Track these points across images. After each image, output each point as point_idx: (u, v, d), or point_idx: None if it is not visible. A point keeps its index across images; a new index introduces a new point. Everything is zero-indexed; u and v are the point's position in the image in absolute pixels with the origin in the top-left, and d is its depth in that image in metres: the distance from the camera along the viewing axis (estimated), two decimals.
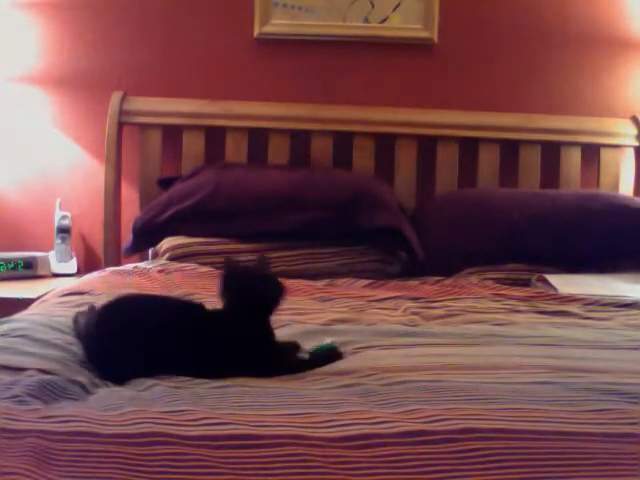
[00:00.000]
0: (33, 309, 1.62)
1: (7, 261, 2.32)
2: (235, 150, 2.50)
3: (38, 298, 1.81)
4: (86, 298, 1.60)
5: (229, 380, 1.08)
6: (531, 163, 2.53)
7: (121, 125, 2.47)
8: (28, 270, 2.35)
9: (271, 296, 1.20)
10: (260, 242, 2.13)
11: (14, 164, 2.58)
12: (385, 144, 2.51)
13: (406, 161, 2.52)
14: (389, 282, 2.03)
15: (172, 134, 2.50)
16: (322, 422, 0.89)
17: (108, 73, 2.55)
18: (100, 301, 1.33)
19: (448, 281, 2.04)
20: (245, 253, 2.08)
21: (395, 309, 1.69)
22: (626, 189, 2.58)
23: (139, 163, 2.49)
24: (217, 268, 1.96)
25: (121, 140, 2.48)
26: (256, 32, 2.56)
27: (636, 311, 1.72)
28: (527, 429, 0.89)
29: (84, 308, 1.38)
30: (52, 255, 2.45)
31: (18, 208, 2.59)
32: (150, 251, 2.31)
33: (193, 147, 2.50)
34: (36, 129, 2.57)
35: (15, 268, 2.33)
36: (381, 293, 1.86)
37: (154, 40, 2.57)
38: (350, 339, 1.35)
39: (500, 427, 0.89)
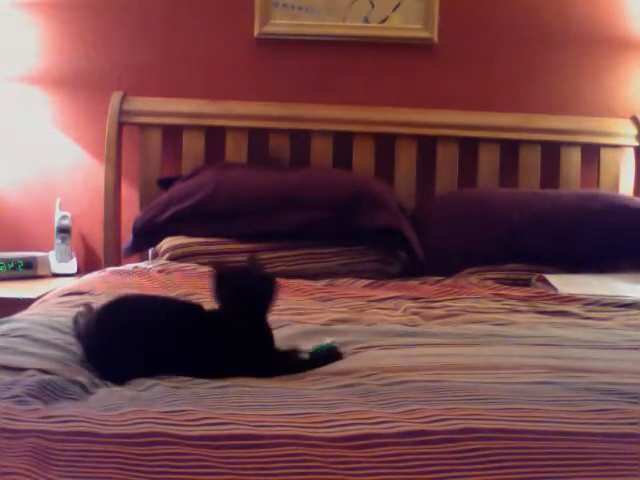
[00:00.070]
0: (33, 309, 1.62)
1: (7, 261, 2.32)
2: (235, 150, 2.50)
3: (38, 298, 1.81)
4: (86, 298, 1.60)
5: (229, 380, 1.08)
6: (531, 163, 2.53)
7: (121, 125, 2.47)
8: (28, 270, 2.35)
9: (265, 294, 1.20)
10: (260, 242, 2.13)
11: (14, 164, 2.58)
12: (385, 144, 2.51)
13: (406, 161, 2.52)
14: (389, 282, 2.03)
15: (172, 134, 2.50)
16: (322, 422, 0.89)
17: (108, 73, 2.55)
18: (100, 301, 1.33)
19: (448, 281, 2.04)
20: (245, 253, 2.08)
21: (395, 309, 1.69)
22: (626, 189, 2.58)
23: (139, 163, 2.49)
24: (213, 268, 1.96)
25: (121, 140, 2.48)
26: (256, 32, 2.56)
27: (636, 311, 1.72)
28: (527, 429, 0.89)
29: (83, 308, 1.37)
30: (52, 255, 2.45)
31: (18, 208, 2.59)
32: (150, 251, 2.31)
33: (193, 147, 2.50)
34: (36, 129, 2.57)
35: (15, 268, 2.33)
36: (381, 293, 1.86)
37: (154, 40, 2.57)
38: (350, 339, 1.35)
39: (500, 427, 0.89)
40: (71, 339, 1.27)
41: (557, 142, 2.53)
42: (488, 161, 2.52)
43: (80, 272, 2.42)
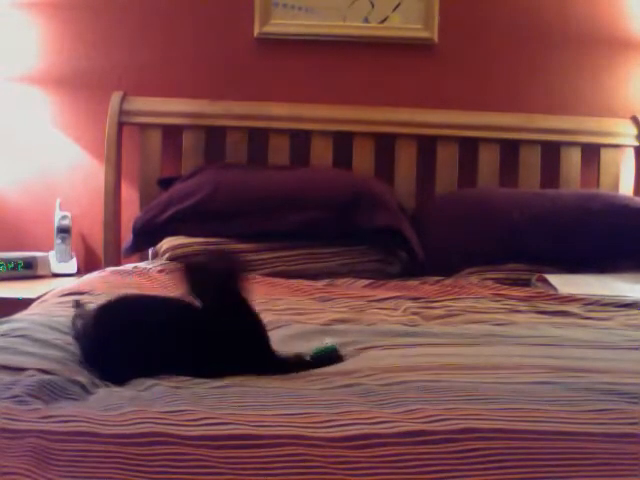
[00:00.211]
0: (33, 309, 1.62)
1: (7, 261, 2.32)
2: (235, 150, 2.50)
3: (38, 298, 1.81)
4: (86, 298, 1.60)
5: (229, 380, 1.08)
6: (531, 163, 2.53)
7: (121, 125, 2.47)
8: (28, 270, 2.35)
9: (228, 285, 1.18)
10: (260, 242, 2.13)
11: (14, 164, 2.58)
12: (385, 144, 2.51)
13: (406, 161, 2.52)
14: (389, 282, 2.03)
15: (172, 134, 2.50)
16: (322, 422, 0.89)
17: (108, 73, 2.55)
18: (100, 301, 1.33)
19: (448, 281, 2.04)
20: (245, 253, 2.08)
21: (395, 309, 1.69)
22: (626, 189, 2.58)
23: (139, 163, 2.49)
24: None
25: (121, 140, 2.48)
26: (256, 32, 2.56)
27: (636, 311, 1.72)
28: (527, 429, 0.89)
29: (81, 309, 1.37)
30: (52, 255, 2.45)
31: (18, 208, 2.59)
32: (150, 251, 2.31)
33: (193, 147, 2.49)
34: (36, 129, 2.57)
35: (15, 268, 2.32)
36: (381, 293, 1.86)
37: (154, 40, 2.57)
38: (350, 339, 1.35)
39: (500, 427, 0.89)
40: (71, 339, 1.27)
41: (557, 142, 2.53)
42: (488, 161, 2.52)
43: (80, 272, 2.42)
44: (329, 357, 1.22)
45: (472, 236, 2.21)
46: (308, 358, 1.22)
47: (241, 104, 2.51)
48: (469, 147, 2.52)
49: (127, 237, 2.28)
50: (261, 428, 0.87)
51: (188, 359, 1.13)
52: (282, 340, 1.31)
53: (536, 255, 2.16)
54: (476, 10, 2.59)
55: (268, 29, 2.56)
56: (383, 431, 0.87)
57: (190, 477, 0.80)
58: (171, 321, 1.16)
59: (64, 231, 2.46)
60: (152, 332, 1.13)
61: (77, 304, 1.42)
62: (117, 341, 1.14)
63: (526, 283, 2.05)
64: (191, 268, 1.19)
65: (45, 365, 1.12)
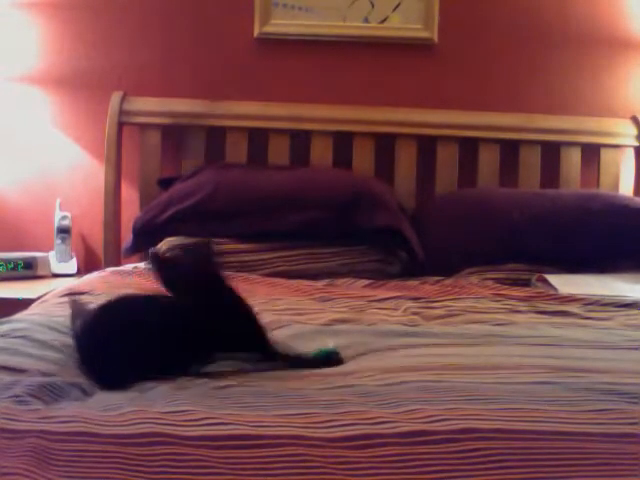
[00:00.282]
0: (33, 309, 1.62)
1: (7, 261, 2.32)
2: (235, 150, 2.50)
3: (38, 298, 1.81)
4: (86, 298, 1.60)
5: (229, 380, 1.08)
6: (531, 163, 2.53)
7: (121, 125, 2.47)
8: (28, 270, 2.35)
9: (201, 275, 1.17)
10: (260, 242, 2.13)
11: (14, 164, 2.58)
12: (385, 144, 2.51)
13: (406, 161, 2.52)
14: (389, 282, 2.03)
15: (172, 134, 2.50)
16: (322, 422, 0.89)
17: (108, 73, 2.55)
18: (100, 301, 1.32)
19: (448, 281, 2.04)
20: (245, 253, 2.08)
21: (395, 309, 1.69)
22: (626, 189, 2.57)
23: (139, 163, 2.49)
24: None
25: (121, 140, 2.48)
26: (256, 32, 2.56)
27: (636, 311, 1.72)
28: (527, 429, 0.89)
29: (79, 306, 1.36)
30: (52, 255, 2.45)
31: (18, 208, 2.59)
32: (150, 251, 2.30)
33: (193, 147, 2.49)
34: (36, 129, 2.57)
35: (15, 268, 2.32)
36: (381, 293, 1.86)
37: (154, 40, 2.56)
38: (350, 339, 1.35)
39: (500, 427, 0.89)
40: (70, 340, 1.27)
41: (557, 142, 2.53)
42: (488, 161, 2.52)
43: (80, 272, 2.42)
44: (328, 358, 1.22)
45: (472, 236, 2.21)
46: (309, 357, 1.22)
47: (241, 104, 2.51)
48: (469, 147, 2.52)
49: (127, 237, 2.28)
50: (261, 428, 0.87)
51: (182, 356, 1.12)
52: (282, 340, 1.31)
53: (536, 255, 2.16)
54: (476, 10, 2.59)
55: (268, 29, 2.56)
56: (383, 431, 0.87)
57: (190, 477, 0.80)
58: (161, 321, 1.14)
59: (64, 231, 2.46)
60: (147, 333, 1.12)
61: (74, 302, 1.41)
62: (116, 343, 1.13)
63: (526, 283, 2.05)
64: (162, 265, 1.19)
65: (45, 366, 1.12)
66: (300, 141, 2.51)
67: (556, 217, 2.21)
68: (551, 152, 2.53)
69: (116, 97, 2.48)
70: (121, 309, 1.20)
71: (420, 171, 2.52)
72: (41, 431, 0.87)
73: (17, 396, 0.97)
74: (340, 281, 2.03)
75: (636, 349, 1.35)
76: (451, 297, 1.82)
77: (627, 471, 0.83)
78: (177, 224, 2.18)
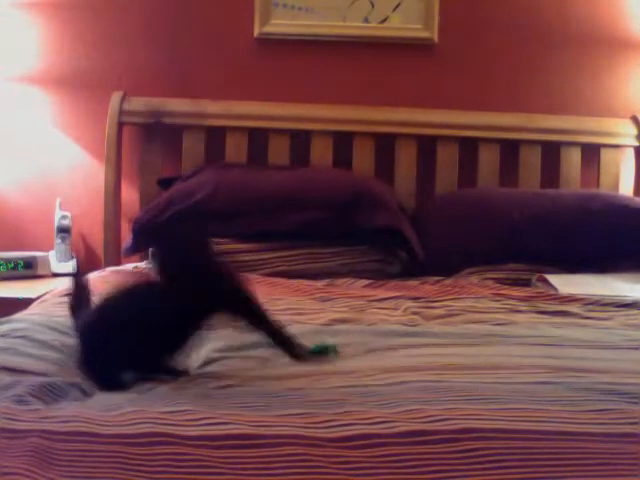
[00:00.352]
0: (33, 309, 1.63)
1: (7, 261, 2.32)
2: (235, 150, 2.50)
3: (38, 298, 1.81)
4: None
5: (230, 380, 1.08)
6: (531, 163, 2.53)
7: (121, 125, 2.47)
8: (28, 270, 2.35)
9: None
10: (260, 242, 2.13)
11: (14, 164, 2.58)
12: (385, 144, 2.51)
13: (406, 161, 2.52)
14: (389, 282, 2.03)
15: (172, 134, 2.50)
16: (322, 422, 0.89)
17: (108, 73, 2.55)
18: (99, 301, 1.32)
19: (448, 281, 2.04)
20: (245, 253, 2.08)
21: (395, 309, 1.69)
22: (626, 189, 2.57)
23: (139, 163, 2.49)
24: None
25: (121, 140, 2.48)
26: (256, 32, 2.56)
27: (636, 311, 1.72)
28: (527, 429, 0.89)
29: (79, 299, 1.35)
30: (52, 255, 2.45)
31: (18, 208, 2.59)
32: (150, 251, 2.30)
33: (193, 147, 2.49)
34: (36, 129, 2.57)
35: (15, 268, 2.32)
36: (381, 293, 1.86)
37: (154, 40, 2.56)
38: (350, 339, 1.35)
39: (500, 427, 0.89)
40: (70, 340, 1.27)
41: (557, 142, 2.53)
42: (488, 161, 2.52)
43: (80, 272, 2.41)
44: (325, 352, 1.22)
45: (472, 236, 2.21)
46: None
47: (241, 104, 2.51)
48: (469, 147, 2.52)
49: (127, 237, 2.28)
50: (261, 428, 0.87)
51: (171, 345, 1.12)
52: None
53: (536, 255, 2.16)
54: (476, 10, 2.58)
55: (268, 29, 2.56)
56: (383, 431, 0.87)
57: (190, 477, 0.80)
58: (160, 321, 1.13)
59: (64, 231, 2.46)
60: (146, 332, 1.11)
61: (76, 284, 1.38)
62: (116, 343, 1.12)
63: (526, 283, 2.05)
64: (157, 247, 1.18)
65: (44, 367, 1.12)
66: (300, 141, 2.51)
67: (556, 217, 2.21)
68: (551, 152, 2.53)
69: (116, 97, 2.48)
70: (120, 309, 1.19)
71: (420, 171, 2.52)
72: (42, 431, 0.87)
73: (18, 396, 0.98)
74: (340, 281, 2.03)
75: (636, 349, 1.35)
76: (451, 297, 1.82)
77: (627, 471, 0.83)
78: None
